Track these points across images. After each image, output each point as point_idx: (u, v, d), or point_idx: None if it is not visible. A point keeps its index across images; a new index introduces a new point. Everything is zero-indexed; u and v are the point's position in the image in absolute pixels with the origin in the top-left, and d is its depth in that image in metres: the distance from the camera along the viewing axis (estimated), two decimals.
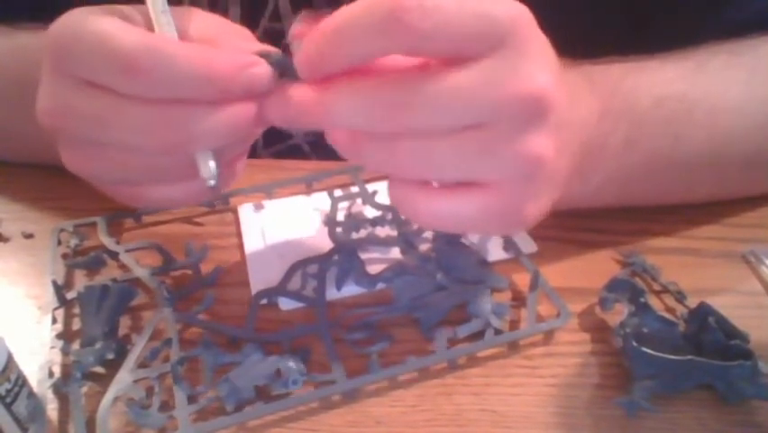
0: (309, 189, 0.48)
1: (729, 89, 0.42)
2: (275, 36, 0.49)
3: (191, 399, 0.34)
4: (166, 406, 0.34)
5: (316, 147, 0.55)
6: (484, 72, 0.27)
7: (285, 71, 0.29)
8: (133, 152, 0.30)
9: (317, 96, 0.28)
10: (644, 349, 0.34)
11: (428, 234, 0.44)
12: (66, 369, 0.36)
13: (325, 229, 0.44)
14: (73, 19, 0.29)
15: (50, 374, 0.34)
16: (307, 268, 0.41)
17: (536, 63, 0.28)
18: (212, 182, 0.31)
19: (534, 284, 0.39)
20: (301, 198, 0.48)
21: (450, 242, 0.42)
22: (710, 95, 0.41)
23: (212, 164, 0.30)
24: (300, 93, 0.28)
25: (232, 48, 0.30)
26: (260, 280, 0.41)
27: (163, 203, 0.39)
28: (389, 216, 0.45)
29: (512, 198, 0.30)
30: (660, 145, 0.41)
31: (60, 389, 0.34)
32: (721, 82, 0.42)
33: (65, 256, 0.42)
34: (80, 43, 0.28)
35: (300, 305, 0.39)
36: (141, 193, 0.32)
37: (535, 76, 0.28)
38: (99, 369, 0.35)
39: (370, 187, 0.47)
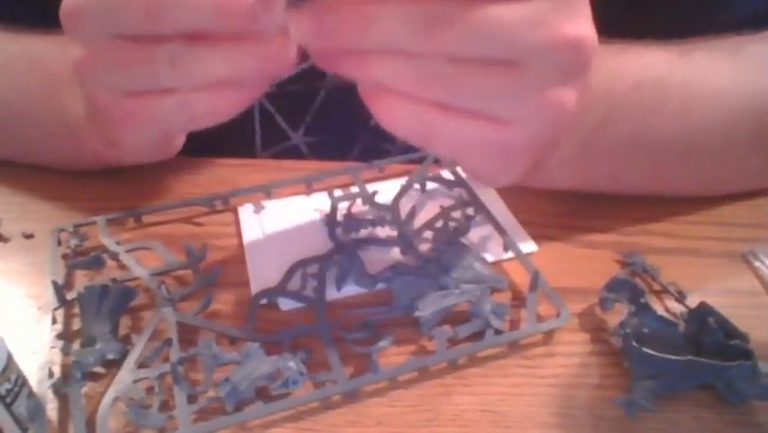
0: (309, 189, 0.48)
1: (709, 79, 0.42)
2: None
3: (191, 399, 0.34)
4: (166, 406, 0.33)
5: (315, 148, 0.55)
6: (535, 11, 0.26)
7: None
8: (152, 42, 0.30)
9: (356, 7, 0.27)
10: (644, 349, 0.34)
11: (428, 235, 0.44)
12: (66, 369, 0.36)
13: (325, 229, 0.44)
14: None
15: (50, 374, 0.34)
16: (307, 268, 0.41)
17: (584, 11, 0.27)
18: None
19: (534, 284, 0.39)
20: (301, 198, 0.48)
21: (450, 242, 0.42)
22: (688, 83, 0.42)
23: None
24: (337, 5, 0.27)
25: None
26: (260, 280, 0.41)
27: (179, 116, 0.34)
28: (389, 216, 0.45)
29: (521, 141, 0.30)
30: (630, 129, 0.41)
31: (60, 389, 0.34)
32: (701, 72, 0.42)
33: (65, 256, 0.42)
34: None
35: (300, 305, 0.39)
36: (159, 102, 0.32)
37: (583, 24, 0.27)
38: (99, 369, 0.35)
39: (370, 187, 0.47)
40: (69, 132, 0.42)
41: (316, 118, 0.53)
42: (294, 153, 0.55)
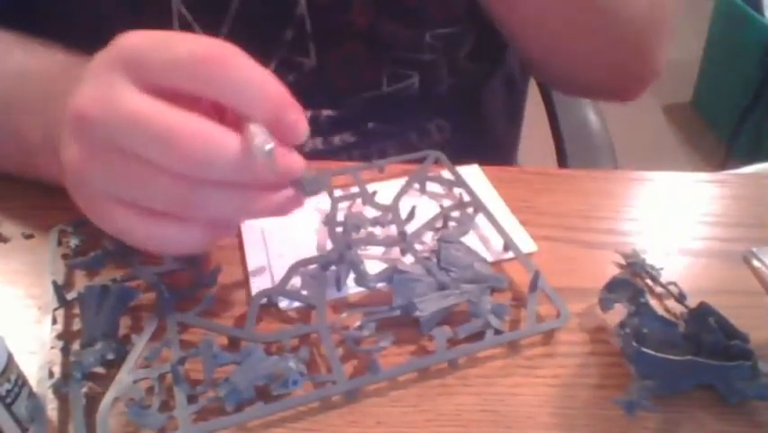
0: None
1: None
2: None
3: (191, 399, 0.34)
4: (166, 406, 0.33)
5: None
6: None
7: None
8: (156, 168, 0.30)
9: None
10: (644, 349, 0.34)
11: (428, 235, 0.44)
12: (66, 369, 0.36)
13: (325, 229, 0.44)
14: (142, 33, 0.31)
15: (50, 374, 0.34)
16: (307, 268, 0.41)
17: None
18: (265, 151, 0.29)
19: (534, 284, 0.39)
20: None
21: (450, 242, 0.42)
22: None
23: (264, 132, 0.30)
24: None
25: None
26: (260, 280, 0.41)
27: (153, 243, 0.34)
28: (389, 217, 0.45)
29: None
30: None
31: (60, 389, 0.34)
32: None
33: (65, 256, 0.42)
34: (153, 47, 0.30)
35: (300, 305, 0.39)
36: (141, 224, 0.32)
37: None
38: (99, 369, 0.35)
39: (370, 187, 0.47)
40: (26, 156, 0.41)
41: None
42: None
